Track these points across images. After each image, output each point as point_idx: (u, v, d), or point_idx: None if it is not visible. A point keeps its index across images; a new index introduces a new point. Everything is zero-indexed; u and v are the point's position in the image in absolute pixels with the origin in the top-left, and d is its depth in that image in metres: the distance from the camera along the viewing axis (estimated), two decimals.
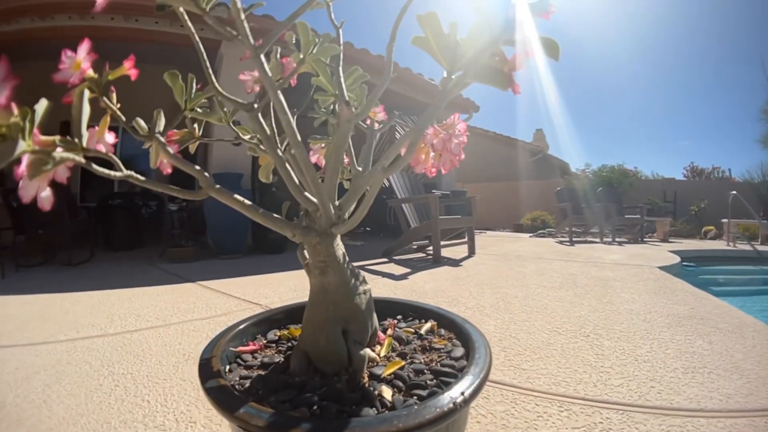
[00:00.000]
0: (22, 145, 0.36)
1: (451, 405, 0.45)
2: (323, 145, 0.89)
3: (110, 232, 5.05)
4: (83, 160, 0.45)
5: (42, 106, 0.38)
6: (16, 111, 0.37)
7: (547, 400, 0.99)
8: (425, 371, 0.61)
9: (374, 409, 0.51)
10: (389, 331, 0.78)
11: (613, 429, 0.86)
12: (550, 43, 0.35)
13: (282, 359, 0.70)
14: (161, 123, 0.66)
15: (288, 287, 2.46)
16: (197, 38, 0.58)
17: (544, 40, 0.35)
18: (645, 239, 6.08)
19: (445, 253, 4.06)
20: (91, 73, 0.56)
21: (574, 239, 5.75)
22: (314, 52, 0.61)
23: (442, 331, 0.79)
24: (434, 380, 0.58)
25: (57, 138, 0.40)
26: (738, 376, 1.14)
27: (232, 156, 4.59)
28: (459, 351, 0.67)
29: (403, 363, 0.63)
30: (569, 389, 1.05)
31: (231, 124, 0.79)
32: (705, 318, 1.74)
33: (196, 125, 0.80)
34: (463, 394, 0.48)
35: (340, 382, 0.59)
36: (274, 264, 3.60)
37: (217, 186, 0.57)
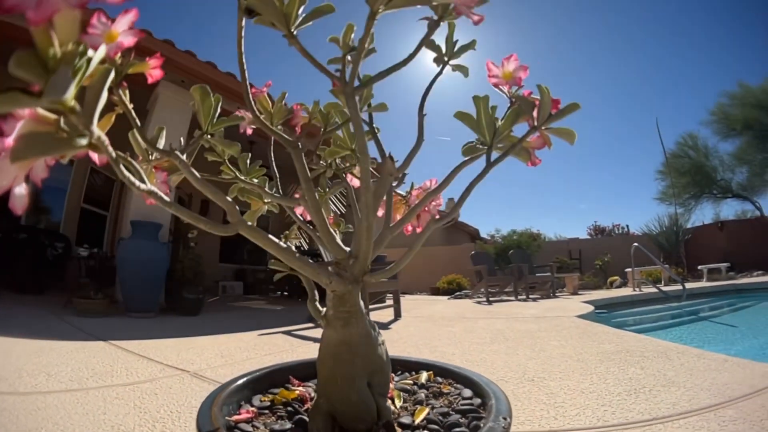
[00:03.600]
0: (72, 90, 0.28)
1: (504, 426, 0.54)
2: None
3: (11, 269, 4.41)
4: (113, 154, 0.39)
5: (100, 53, 0.31)
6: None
7: None
8: (451, 413, 0.68)
9: None
10: (390, 384, 0.84)
11: None
12: (568, 132, 0.53)
13: (291, 425, 0.70)
14: (161, 141, 0.67)
15: (214, 353, 2.32)
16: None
17: (565, 130, 0.53)
18: (557, 294, 6.98)
19: (372, 316, 4.12)
20: (118, 56, 0.49)
21: (490, 299, 6.32)
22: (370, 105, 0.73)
23: (439, 378, 0.87)
24: (464, 418, 0.65)
25: (62, 118, 0.32)
26: (676, 388, 1.43)
27: (149, 206, 4.40)
28: (467, 392, 0.77)
29: (427, 409, 0.69)
30: (534, 426, 1.19)
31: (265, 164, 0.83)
32: (631, 350, 2.11)
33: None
34: (506, 419, 0.57)
35: None
36: (193, 327, 3.43)
37: (250, 223, 0.60)
